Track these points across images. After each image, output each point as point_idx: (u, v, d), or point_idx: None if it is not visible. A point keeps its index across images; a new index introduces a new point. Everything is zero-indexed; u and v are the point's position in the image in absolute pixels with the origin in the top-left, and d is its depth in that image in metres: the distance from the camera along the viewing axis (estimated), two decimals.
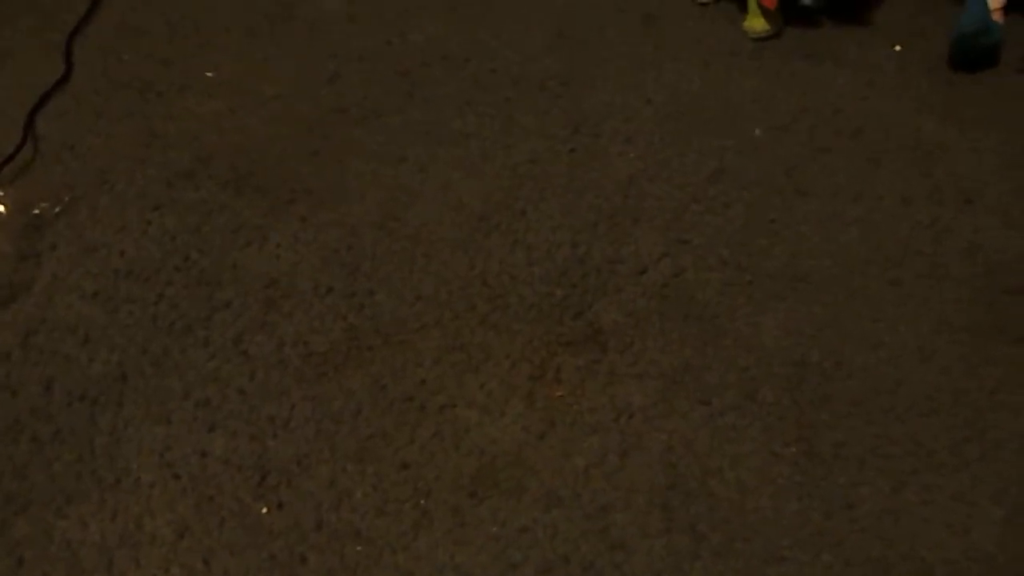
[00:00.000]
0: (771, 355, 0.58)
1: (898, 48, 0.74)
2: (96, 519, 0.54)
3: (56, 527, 0.54)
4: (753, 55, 0.76)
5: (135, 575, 0.52)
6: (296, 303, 0.64)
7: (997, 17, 0.69)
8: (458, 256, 0.66)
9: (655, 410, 0.56)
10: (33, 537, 0.54)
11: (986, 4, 0.68)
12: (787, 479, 0.53)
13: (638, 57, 0.76)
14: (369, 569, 0.51)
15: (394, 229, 0.68)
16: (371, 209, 0.69)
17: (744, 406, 0.55)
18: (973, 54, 0.70)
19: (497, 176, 0.70)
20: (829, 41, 0.76)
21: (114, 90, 0.78)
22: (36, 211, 0.70)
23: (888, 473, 0.54)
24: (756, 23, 0.75)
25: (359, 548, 0.51)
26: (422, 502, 0.53)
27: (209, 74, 0.78)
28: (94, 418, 0.59)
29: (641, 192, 0.68)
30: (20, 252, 0.68)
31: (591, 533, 0.52)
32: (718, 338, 0.59)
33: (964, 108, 0.70)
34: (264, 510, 0.54)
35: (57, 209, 0.70)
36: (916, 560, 0.51)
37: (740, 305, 0.61)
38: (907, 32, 0.76)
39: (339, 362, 0.61)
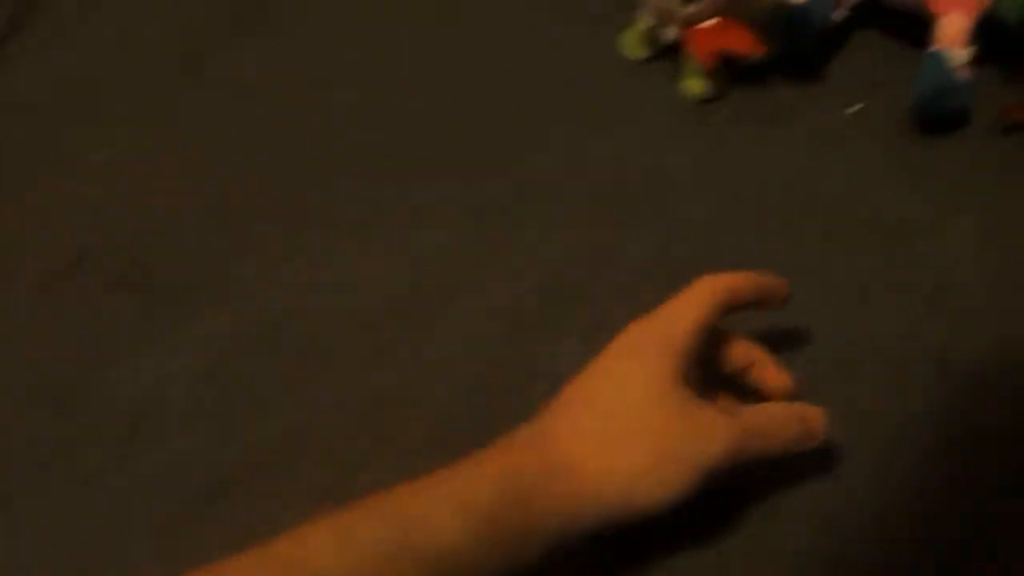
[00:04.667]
0: None
1: (857, 108, 0.66)
2: None
3: None
4: (695, 121, 0.67)
5: None
6: (163, 431, 0.56)
7: (963, 74, 0.61)
8: (351, 372, 0.58)
9: None
10: None
11: (943, 64, 0.59)
12: None
13: (563, 127, 0.68)
14: None
15: (280, 339, 0.59)
16: (258, 313, 0.60)
17: None
18: (937, 118, 0.61)
19: (399, 272, 0.62)
20: (779, 102, 0.68)
21: None
22: None
23: None
24: (694, 85, 0.67)
25: None
26: None
27: (97, 156, 0.71)
28: None
29: (562, 290, 0.60)
30: None
31: None
32: None
33: (932, 177, 0.61)
34: None
35: None
36: None
37: None
38: (867, 88, 0.67)
39: (203, 505, 0.52)
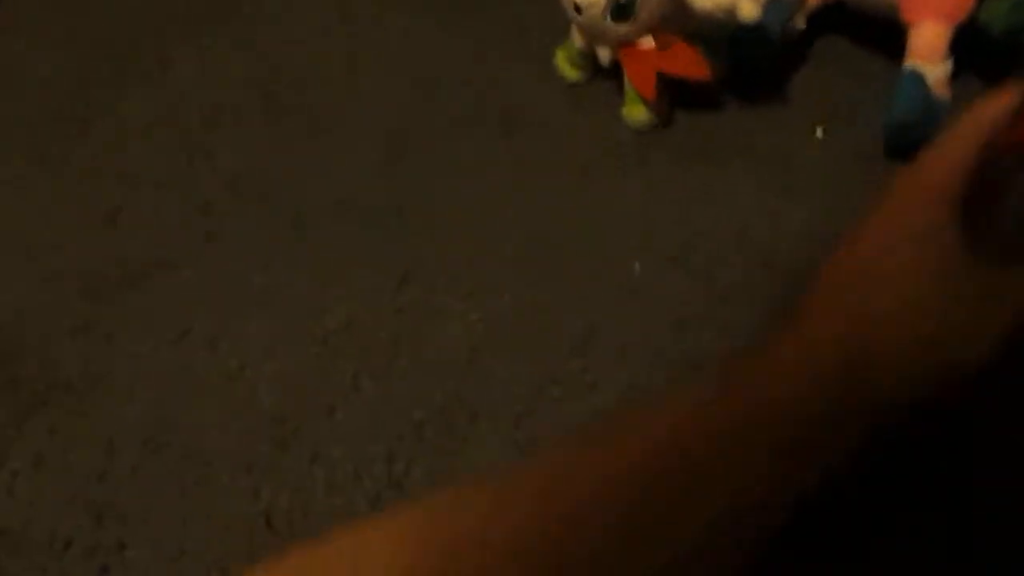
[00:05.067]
0: None
1: (820, 133, 0.58)
2: None
3: None
4: (638, 156, 0.59)
5: None
6: (23, 566, 0.50)
7: (941, 92, 0.53)
8: (240, 482, 0.50)
9: None
10: None
11: (924, 82, 0.51)
12: None
13: (491, 172, 0.59)
14: None
15: (162, 444, 0.51)
16: (138, 412, 0.52)
17: None
18: (914, 143, 0.53)
19: (302, 354, 0.53)
20: (734, 129, 0.59)
21: None
22: None
23: None
24: (635, 111, 0.58)
25: None
26: None
27: None
28: None
29: (484, 371, 0.51)
30: None
31: None
32: None
33: None
34: None
35: None
36: None
37: None
38: (832, 109, 0.59)
39: None
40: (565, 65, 0.62)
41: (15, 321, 0.57)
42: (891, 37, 0.57)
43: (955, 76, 0.54)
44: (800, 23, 0.59)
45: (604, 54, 0.58)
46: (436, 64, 0.66)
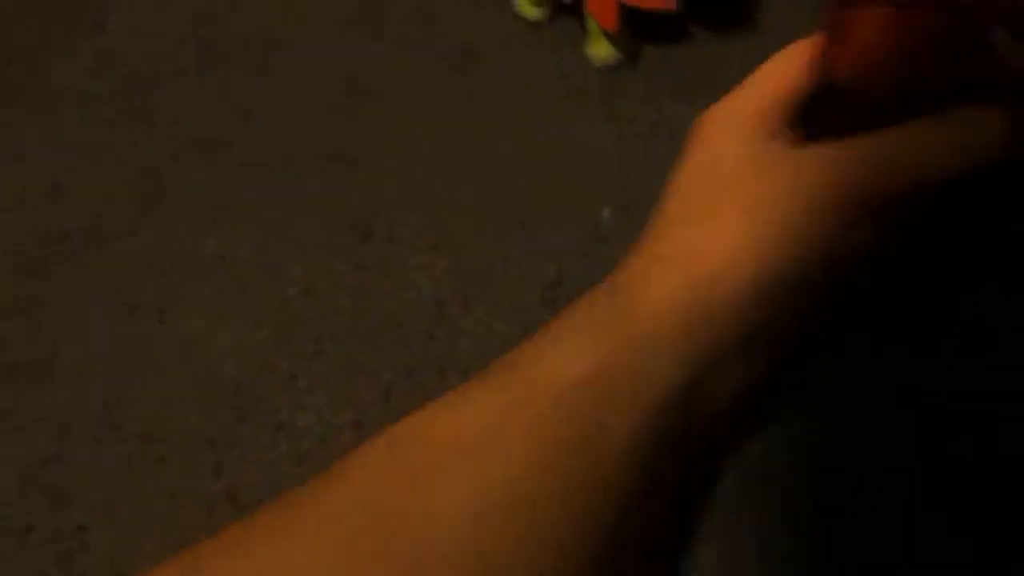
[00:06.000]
0: None
1: None
2: None
3: None
4: (603, 96, 0.55)
5: None
6: None
7: None
8: (201, 458, 0.48)
9: None
10: None
11: None
12: None
13: (451, 114, 0.56)
14: None
15: (119, 422, 0.49)
16: (90, 391, 0.50)
17: None
18: None
19: (260, 320, 0.51)
20: (705, 64, 0.56)
21: None
22: None
23: None
24: (599, 48, 0.55)
25: None
26: None
27: None
28: None
29: (451, 326, 0.49)
30: None
31: None
32: None
33: None
34: None
35: None
36: None
37: None
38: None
39: None
40: (525, 3, 0.59)
41: None
42: None
43: None
44: None
45: None
46: (385, 1, 0.63)
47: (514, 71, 0.59)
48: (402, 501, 0.26)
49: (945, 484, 0.43)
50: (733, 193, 0.31)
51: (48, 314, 0.53)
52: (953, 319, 0.46)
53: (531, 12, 0.59)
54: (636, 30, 0.57)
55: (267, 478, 0.46)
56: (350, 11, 0.63)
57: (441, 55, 0.59)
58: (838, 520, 0.42)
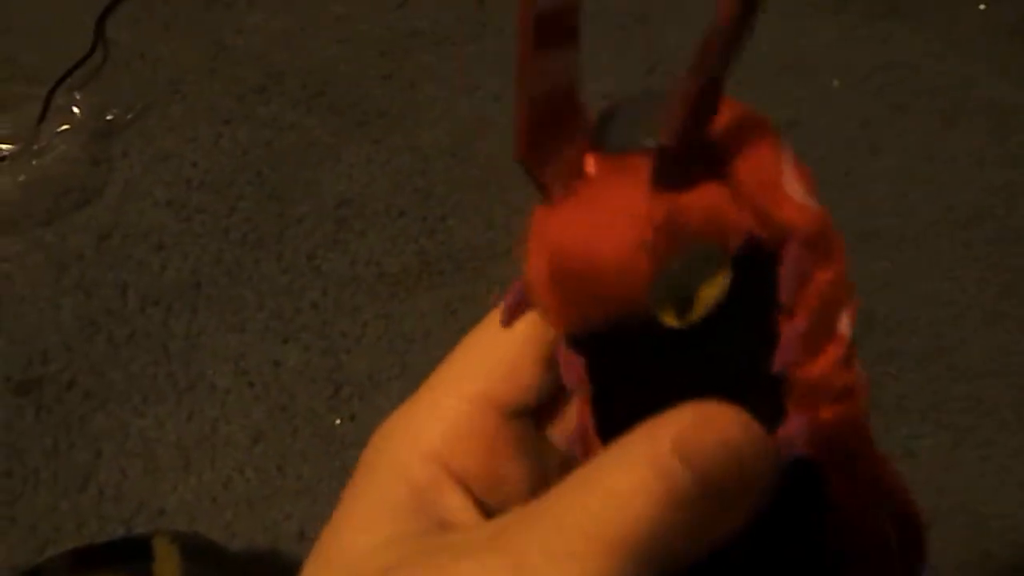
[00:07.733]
0: None
1: (983, 7, 0.74)
2: (172, 419, 0.55)
3: (133, 424, 0.55)
4: (834, 10, 0.74)
5: (211, 475, 0.54)
6: (368, 223, 0.65)
7: None
8: (531, 189, 0.66)
9: None
10: (111, 432, 0.56)
11: None
12: None
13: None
14: None
15: (466, 157, 0.68)
16: (443, 136, 0.69)
17: None
18: None
19: None
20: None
21: (181, 1, 0.78)
22: (109, 117, 0.70)
23: (949, 428, 0.55)
24: None
25: None
26: None
27: None
28: (168, 323, 0.60)
29: None
30: (92, 157, 0.68)
31: None
32: None
33: None
34: (337, 421, 0.56)
35: (129, 116, 0.70)
36: (971, 512, 0.52)
37: None
38: None
39: (411, 284, 0.61)
40: None
41: (325, 67, 0.71)
42: None
43: None
44: None
45: None
46: None
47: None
48: None
49: None
50: None
51: (406, 84, 0.69)
52: None
53: None
54: None
55: None
56: None
57: None
58: None
